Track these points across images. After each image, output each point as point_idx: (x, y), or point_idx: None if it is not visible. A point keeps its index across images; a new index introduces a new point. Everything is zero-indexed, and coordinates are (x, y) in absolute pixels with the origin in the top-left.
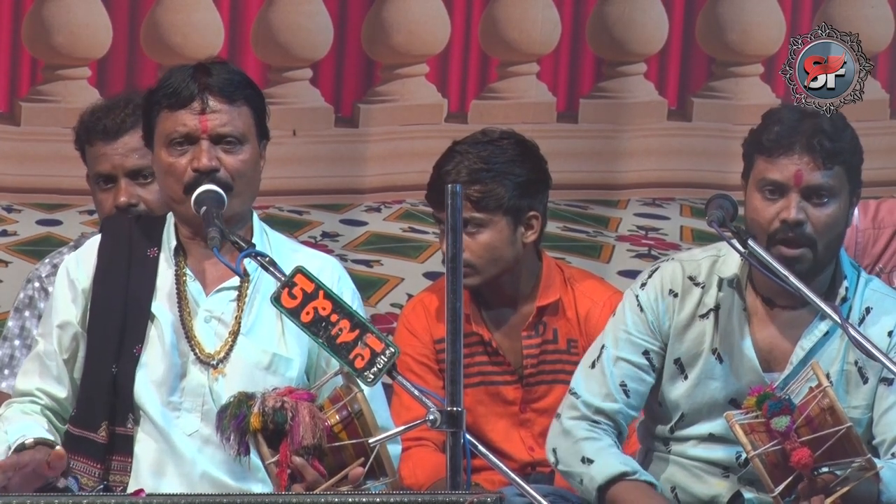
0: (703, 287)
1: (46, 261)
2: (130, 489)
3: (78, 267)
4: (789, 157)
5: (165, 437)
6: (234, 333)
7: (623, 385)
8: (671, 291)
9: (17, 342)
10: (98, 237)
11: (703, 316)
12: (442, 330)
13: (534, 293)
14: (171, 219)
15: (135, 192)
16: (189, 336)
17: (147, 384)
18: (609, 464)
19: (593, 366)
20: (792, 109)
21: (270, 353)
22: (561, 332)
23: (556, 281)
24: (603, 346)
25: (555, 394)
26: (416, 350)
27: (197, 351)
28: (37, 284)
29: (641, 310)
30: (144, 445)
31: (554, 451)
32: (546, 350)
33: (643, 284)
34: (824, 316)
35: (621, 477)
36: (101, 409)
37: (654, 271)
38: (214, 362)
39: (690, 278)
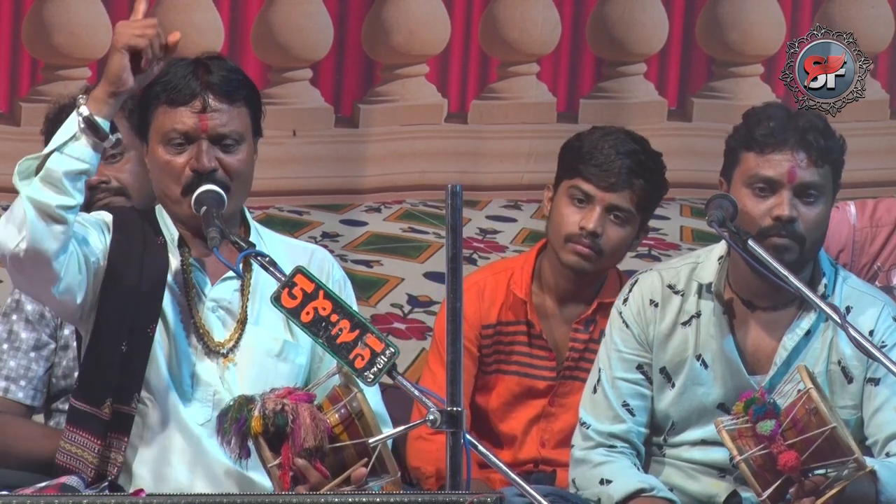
0: (682, 295)
1: None
2: (137, 476)
3: (99, 215)
4: (782, 152)
5: (177, 426)
6: (242, 322)
7: (626, 405)
8: (651, 301)
9: (4, 346)
10: (104, 213)
11: (684, 323)
12: (493, 316)
13: (598, 291)
14: (162, 212)
15: (104, 171)
16: (197, 325)
17: (158, 374)
18: (627, 482)
19: (595, 391)
20: (779, 107)
21: (281, 341)
22: None
23: (618, 285)
24: (600, 370)
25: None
26: None
27: (206, 340)
28: None
29: (627, 326)
30: (153, 433)
31: (574, 481)
32: (590, 349)
33: (625, 300)
34: (804, 315)
35: (638, 493)
36: (108, 386)
37: (633, 284)
38: (224, 351)
39: (670, 286)
